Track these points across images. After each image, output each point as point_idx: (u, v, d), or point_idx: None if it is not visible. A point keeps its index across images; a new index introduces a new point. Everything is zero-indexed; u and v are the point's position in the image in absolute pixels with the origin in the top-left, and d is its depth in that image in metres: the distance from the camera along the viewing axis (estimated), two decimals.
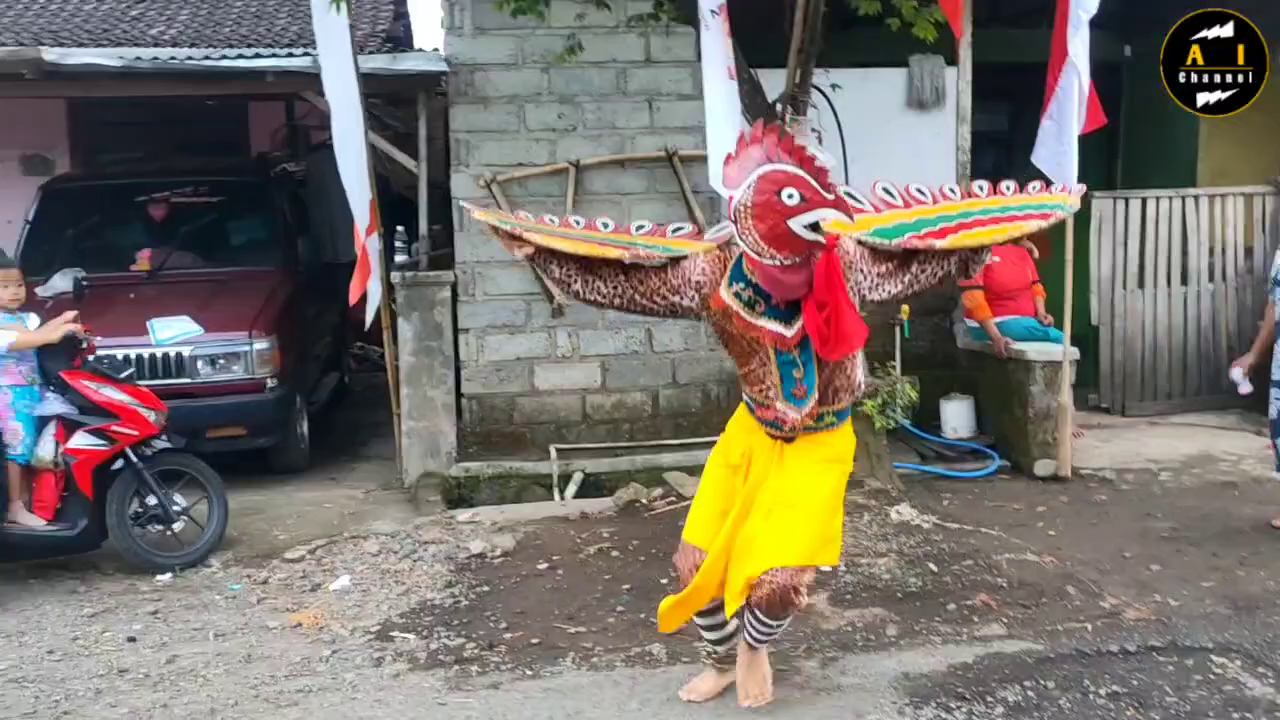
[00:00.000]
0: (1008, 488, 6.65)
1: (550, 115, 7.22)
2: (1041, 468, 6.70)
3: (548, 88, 7.21)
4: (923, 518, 5.72)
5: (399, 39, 11.79)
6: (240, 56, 6.99)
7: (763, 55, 6.01)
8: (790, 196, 2.98)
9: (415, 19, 17.02)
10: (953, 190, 3.56)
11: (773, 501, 3.44)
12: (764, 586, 3.41)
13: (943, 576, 5.03)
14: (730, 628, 3.80)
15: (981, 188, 3.58)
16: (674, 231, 3.41)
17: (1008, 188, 3.62)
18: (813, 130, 5.97)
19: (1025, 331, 7.13)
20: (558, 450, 7.21)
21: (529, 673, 4.34)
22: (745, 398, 3.51)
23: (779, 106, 5.52)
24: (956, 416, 7.34)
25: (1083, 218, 6.96)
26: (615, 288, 3.28)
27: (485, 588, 5.27)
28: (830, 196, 3.02)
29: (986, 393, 7.35)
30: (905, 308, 7.09)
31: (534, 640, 4.65)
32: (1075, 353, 6.82)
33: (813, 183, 3.01)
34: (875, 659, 4.31)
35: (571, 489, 7.01)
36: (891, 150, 7.26)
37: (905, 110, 7.56)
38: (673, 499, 6.34)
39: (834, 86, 6.59)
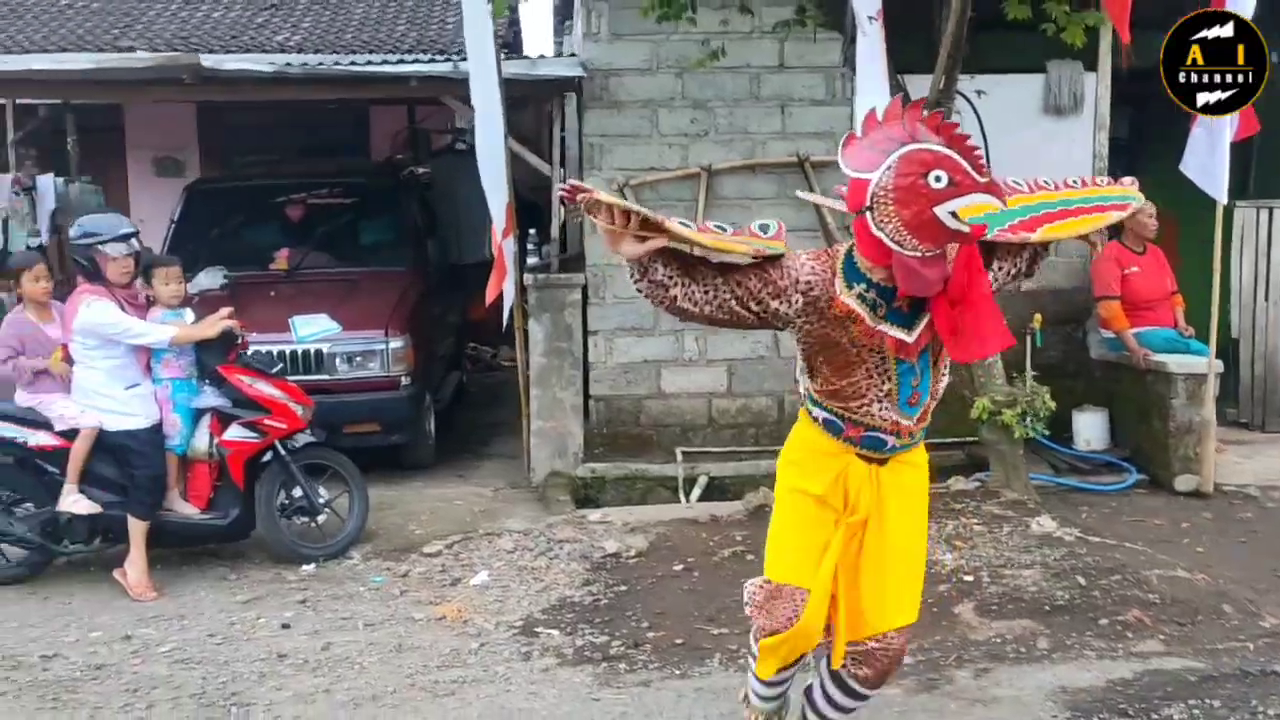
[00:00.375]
0: (1146, 502, 6.50)
1: (683, 120, 7.28)
2: (1182, 483, 6.53)
3: (681, 92, 7.27)
4: (1064, 530, 5.62)
5: (509, 44, 12.00)
6: (385, 62, 7.19)
7: (903, 60, 5.98)
8: (938, 180, 2.65)
9: (524, 24, 17.21)
10: (1046, 181, 3.18)
11: (890, 546, 3.08)
12: (887, 650, 3.07)
13: (1091, 590, 4.94)
14: (786, 689, 3.43)
15: (1048, 181, 3.20)
16: (759, 229, 2.96)
17: (1075, 181, 3.26)
18: None
19: (1165, 343, 6.96)
20: (683, 453, 7.24)
21: (677, 672, 4.39)
22: (827, 415, 3.04)
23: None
24: (1090, 428, 7.19)
25: (1225, 227, 6.75)
26: (709, 291, 2.83)
27: (623, 587, 5.33)
28: (982, 180, 2.69)
29: (1122, 405, 7.19)
30: (1038, 316, 6.98)
31: (678, 640, 4.69)
32: (1220, 365, 6.65)
33: (964, 164, 2.68)
34: (1029, 671, 4.26)
35: (696, 492, 7.05)
36: (1028, 156, 7.12)
37: (1042, 116, 7.43)
38: None
39: (979, 92, 6.52)
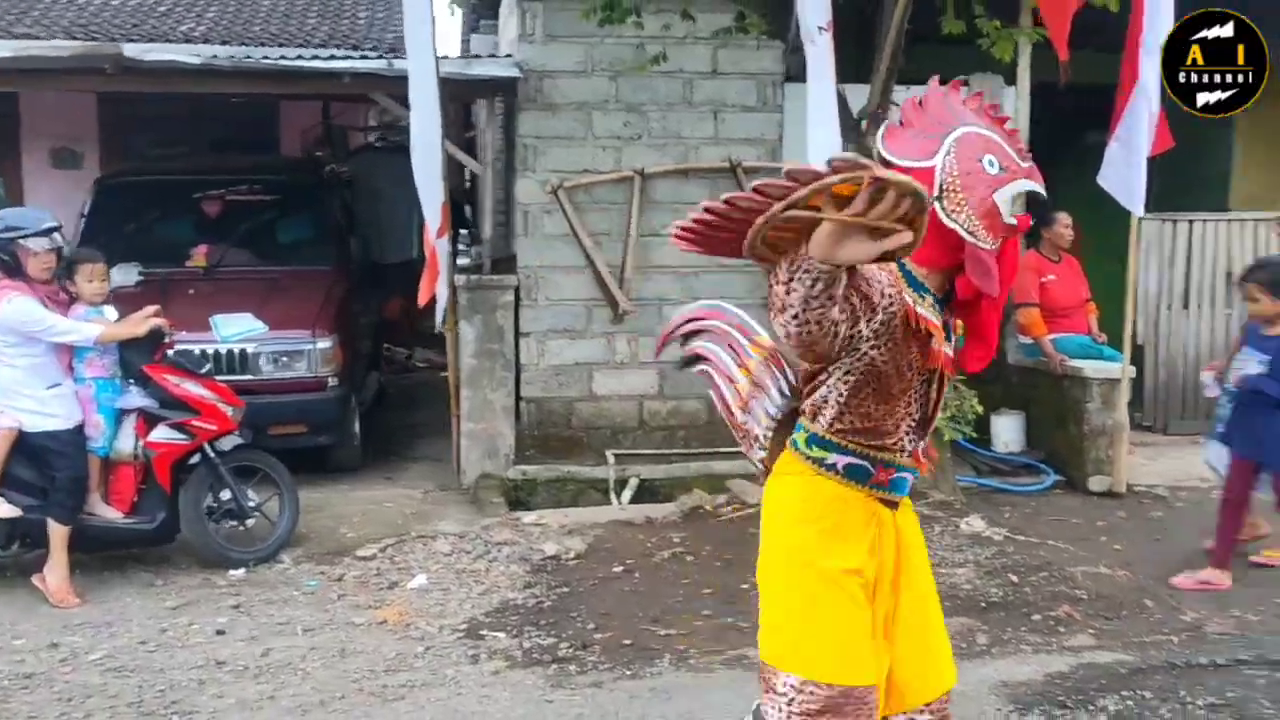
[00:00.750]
0: (1064, 502, 6.73)
1: (616, 123, 7.30)
2: (1096, 483, 6.79)
3: (615, 96, 7.29)
4: (992, 530, 5.81)
5: None
6: (315, 57, 7.06)
7: (839, 71, 6.08)
8: (991, 164, 2.38)
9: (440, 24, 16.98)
10: None
11: (921, 599, 2.65)
12: (945, 716, 2.66)
13: (1022, 587, 5.12)
14: None
15: None
16: None
17: None
18: None
19: (1080, 349, 7.22)
20: (614, 455, 7.26)
21: (628, 673, 4.42)
22: (851, 460, 2.52)
23: (863, 122, 5.62)
24: (1008, 431, 7.42)
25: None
26: (841, 312, 2.17)
27: (565, 589, 5.34)
28: (1025, 165, 2.43)
29: (1039, 408, 7.44)
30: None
31: (625, 641, 4.72)
32: (1133, 370, 6.93)
33: (1008, 149, 2.41)
34: (971, 667, 4.37)
35: (627, 494, 7.07)
36: None
37: None
38: (739, 505, 6.41)
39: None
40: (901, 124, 2.44)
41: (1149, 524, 6.30)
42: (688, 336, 3.05)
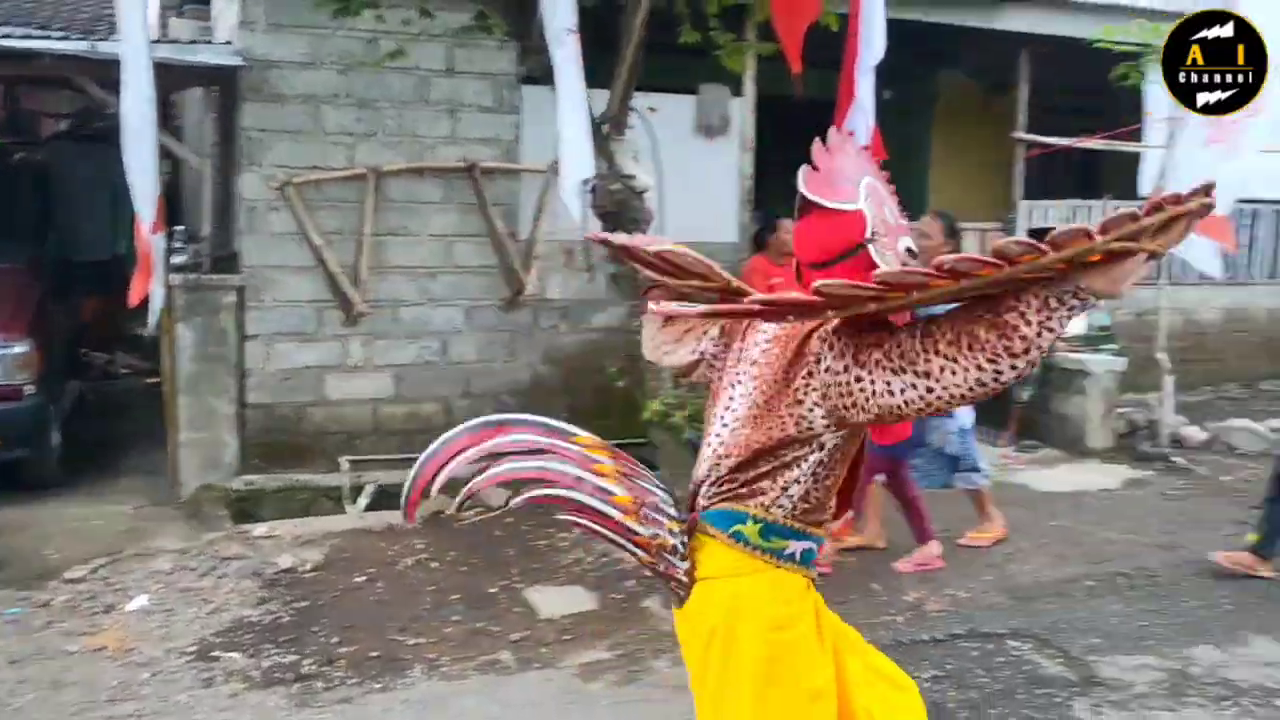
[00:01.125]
0: None
1: (348, 119, 7.02)
2: None
3: (346, 90, 7.00)
4: None
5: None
6: (10, 36, 6.38)
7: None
8: (891, 214, 2.34)
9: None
10: None
11: (871, 667, 2.63)
12: None
13: None
14: None
15: None
16: None
17: None
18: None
19: None
20: (349, 462, 6.99)
21: (378, 685, 4.28)
22: (808, 543, 2.37)
23: (604, 127, 5.68)
24: None
25: None
26: None
27: (304, 602, 5.11)
28: (905, 221, 2.42)
29: None
30: None
31: (373, 653, 4.57)
32: None
33: (891, 201, 2.39)
34: None
35: (363, 501, 6.82)
36: (683, 173, 7.58)
37: (694, 136, 7.89)
38: (480, 509, 6.34)
39: (650, 109, 6.82)
40: (815, 168, 2.36)
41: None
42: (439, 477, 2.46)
